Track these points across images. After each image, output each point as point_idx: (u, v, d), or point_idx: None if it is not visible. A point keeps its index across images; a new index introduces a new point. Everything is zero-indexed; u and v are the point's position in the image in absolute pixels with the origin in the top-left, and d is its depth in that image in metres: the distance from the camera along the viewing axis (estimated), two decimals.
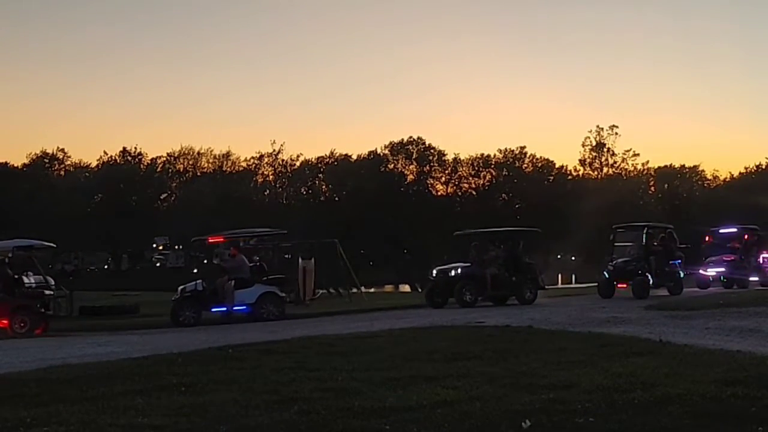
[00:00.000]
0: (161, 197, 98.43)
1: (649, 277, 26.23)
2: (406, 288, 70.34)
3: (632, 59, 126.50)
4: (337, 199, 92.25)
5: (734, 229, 33.70)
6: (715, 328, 14.20)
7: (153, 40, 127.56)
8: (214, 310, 22.37)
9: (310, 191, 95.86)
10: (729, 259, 31.21)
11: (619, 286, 26.65)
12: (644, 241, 27.47)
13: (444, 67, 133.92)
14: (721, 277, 30.66)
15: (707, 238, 33.90)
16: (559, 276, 61.70)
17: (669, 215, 76.25)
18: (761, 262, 32.15)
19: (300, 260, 34.66)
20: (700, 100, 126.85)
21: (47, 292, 22.28)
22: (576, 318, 17.69)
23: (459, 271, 25.40)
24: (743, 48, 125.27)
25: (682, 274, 27.71)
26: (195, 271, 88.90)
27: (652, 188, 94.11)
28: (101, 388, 9.21)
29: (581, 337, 13.10)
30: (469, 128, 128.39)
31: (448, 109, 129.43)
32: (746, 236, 32.78)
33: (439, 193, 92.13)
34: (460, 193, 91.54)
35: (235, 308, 22.30)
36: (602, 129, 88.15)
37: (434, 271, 26.20)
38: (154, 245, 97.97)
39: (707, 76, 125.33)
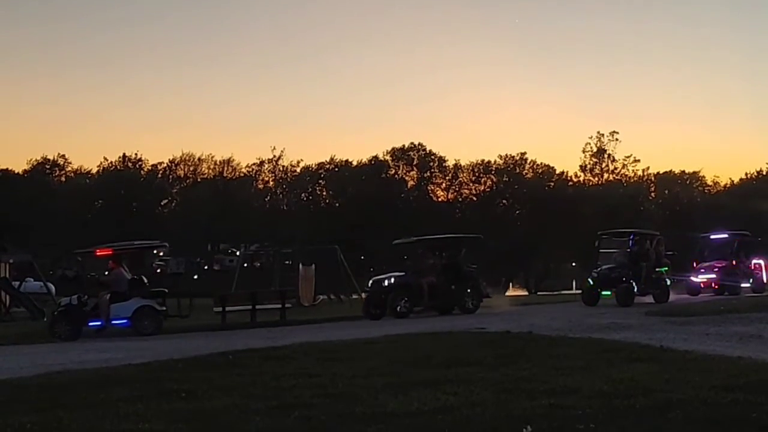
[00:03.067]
0: (162, 203, 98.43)
1: (634, 284, 25.74)
2: None
3: (633, 65, 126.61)
4: (337, 205, 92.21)
5: (725, 235, 33.46)
6: (716, 334, 14.21)
7: (154, 47, 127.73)
8: (90, 324, 21.61)
9: (311, 197, 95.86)
10: (720, 265, 30.91)
11: (602, 293, 26.20)
12: (630, 248, 27.02)
13: (445, 73, 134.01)
14: (712, 284, 30.30)
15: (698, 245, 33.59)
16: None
17: (669, 221, 76.40)
18: (753, 268, 31.94)
19: (300, 266, 34.79)
20: (700, 106, 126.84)
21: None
22: (576, 324, 17.70)
23: (392, 280, 24.69)
24: (744, 54, 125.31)
25: (669, 282, 27.20)
26: (195, 277, 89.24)
27: (653, 194, 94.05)
28: (102, 394, 9.22)
29: (582, 343, 13.10)
30: (470, 134, 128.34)
31: (448, 115, 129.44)
32: (737, 242, 32.46)
33: (439, 199, 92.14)
34: (460, 199, 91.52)
35: (114, 322, 21.61)
36: (603, 135, 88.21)
37: (370, 282, 25.50)
38: (155, 251, 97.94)
39: (708, 83, 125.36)
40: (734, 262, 31.13)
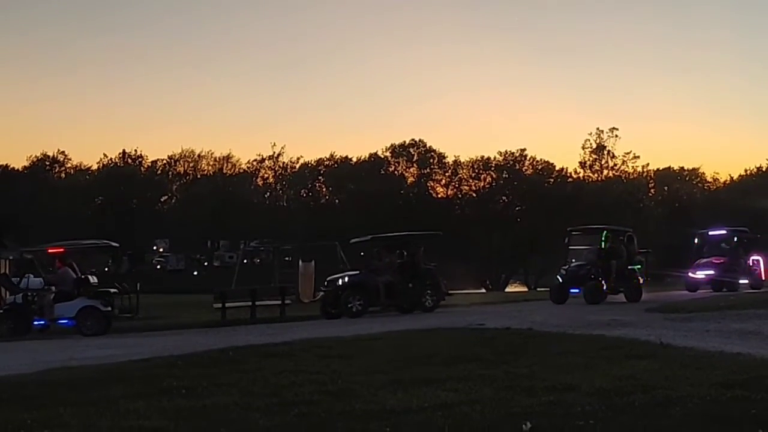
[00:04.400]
0: (162, 200, 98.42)
1: (603, 282, 25.28)
2: None
3: (632, 62, 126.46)
4: (337, 201, 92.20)
5: (724, 232, 33.39)
6: (715, 331, 14.22)
7: (154, 44, 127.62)
8: (35, 323, 21.51)
9: (310, 194, 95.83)
10: (718, 261, 30.80)
11: (571, 291, 25.80)
12: (600, 244, 26.51)
13: (444, 70, 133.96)
14: (710, 281, 30.13)
15: (696, 240, 33.52)
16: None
17: (669, 218, 76.39)
18: (751, 264, 31.88)
19: (300, 263, 34.76)
20: (700, 102, 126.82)
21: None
22: (576, 320, 17.70)
23: (346, 279, 24.29)
24: (743, 51, 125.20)
25: (641, 280, 26.64)
26: (195, 273, 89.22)
27: (652, 191, 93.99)
28: (102, 391, 9.23)
29: (581, 340, 13.11)
30: (470, 130, 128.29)
31: (448, 112, 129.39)
32: (735, 239, 32.39)
33: (439, 196, 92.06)
34: (460, 196, 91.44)
35: (59, 322, 21.50)
36: (602, 131, 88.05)
37: (326, 281, 25.05)
38: (155, 248, 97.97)
39: (707, 79, 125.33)
40: (732, 259, 31.01)
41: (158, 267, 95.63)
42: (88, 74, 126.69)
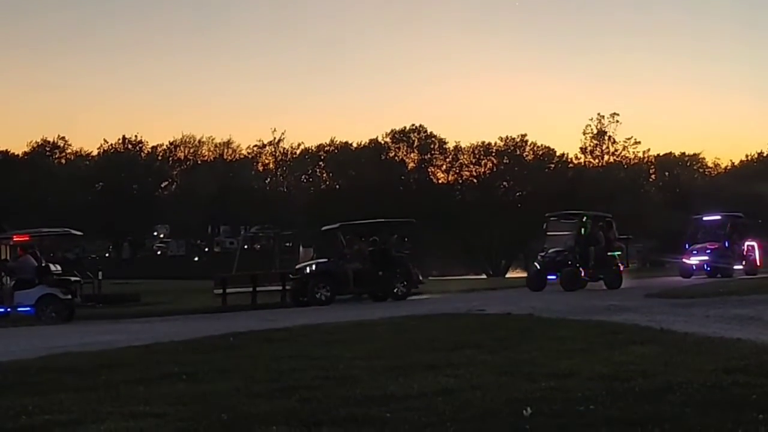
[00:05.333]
0: (162, 185, 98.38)
1: (580, 268, 24.99)
2: None
3: (633, 47, 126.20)
4: (337, 187, 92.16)
5: (718, 217, 33.12)
6: (716, 316, 14.22)
7: (154, 29, 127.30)
8: None
9: (311, 179, 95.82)
10: (713, 247, 30.54)
11: (548, 278, 25.45)
12: (579, 231, 26.07)
13: (445, 55, 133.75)
14: (704, 266, 29.99)
15: (690, 226, 33.19)
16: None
17: (670, 203, 76.34)
18: (746, 250, 31.62)
19: (301, 248, 34.78)
20: (701, 88, 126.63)
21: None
22: (577, 306, 17.73)
23: (314, 267, 24.14)
24: (745, 36, 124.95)
25: (621, 267, 26.35)
26: (196, 259, 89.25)
27: (653, 176, 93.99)
28: (103, 377, 9.24)
29: (582, 326, 13.11)
30: (471, 116, 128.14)
31: (449, 97, 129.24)
32: (730, 224, 32.13)
33: (440, 181, 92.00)
34: (461, 181, 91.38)
35: (19, 309, 21.51)
36: (603, 117, 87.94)
37: (295, 269, 24.96)
38: (155, 233, 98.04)
39: (709, 65, 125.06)
40: (727, 244, 30.78)
41: (159, 253, 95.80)
42: (88, 60, 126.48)
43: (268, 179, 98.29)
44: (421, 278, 26.11)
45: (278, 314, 19.65)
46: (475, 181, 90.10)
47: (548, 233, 27.29)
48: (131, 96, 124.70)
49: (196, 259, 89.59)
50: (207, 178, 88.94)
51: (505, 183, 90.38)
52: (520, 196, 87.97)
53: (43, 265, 22.30)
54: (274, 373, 9.13)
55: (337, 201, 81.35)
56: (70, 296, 21.88)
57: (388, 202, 78.47)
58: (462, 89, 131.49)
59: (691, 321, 13.51)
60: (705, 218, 33.40)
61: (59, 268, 22.86)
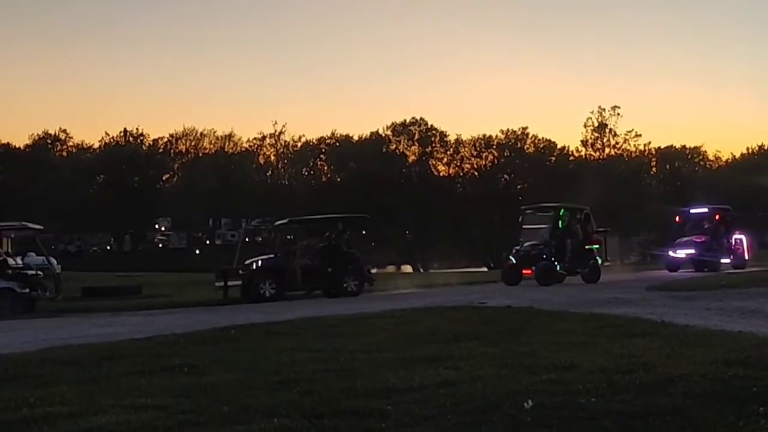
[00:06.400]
0: (163, 178, 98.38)
1: (555, 262, 24.49)
2: (408, 269, 70.46)
3: (635, 40, 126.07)
4: (338, 179, 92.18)
5: (705, 210, 32.41)
6: (717, 309, 14.21)
7: (155, 22, 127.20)
8: None
9: (312, 172, 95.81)
10: (699, 240, 29.86)
11: (524, 272, 24.86)
12: (554, 224, 25.45)
13: (446, 48, 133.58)
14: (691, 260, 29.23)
15: (677, 219, 32.57)
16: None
17: (671, 196, 76.35)
18: (733, 243, 30.78)
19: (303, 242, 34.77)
20: (702, 81, 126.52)
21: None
22: (577, 299, 17.73)
23: (260, 263, 23.67)
24: (746, 28, 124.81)
25: (599, 261, 25.72)
26: (197, 252, 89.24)
27: (654, 169, 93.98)
28: (104, 369, 9.26)
29: (582, 318, 13.11)
30: (472, 109, 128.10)
31: (450, 90, 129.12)
32: (717, 217, 31.35)
33: (441, 174, 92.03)
34: (462, 174, 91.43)
35: None
36: (604, 110, 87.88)
37: (244, 264, 24.28)
38: (157, 226, 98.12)
39: (710, 58, 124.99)
40: (714, 238, 30.04)
41: (160, 246, 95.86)
42: (89, 53, 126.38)
43: (270, 172, 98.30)
44: (372, 275, 25.43)
45: (279, 307, 19.61)
46: (476, 173, 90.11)
47: (524, 226, 26.58)
48: (132, 89, 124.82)
49: (198, 251, 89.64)
50: (208, 171, 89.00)
51: (505, 176, 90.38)
52: (520, 189, 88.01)
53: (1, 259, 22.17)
54: (275, 365, 9.14)
55: (338, 193, 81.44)
56: (27, 290, 21.71)
57: (388, 194, 78.59)
58: (463, 82, 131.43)
59: (691, 314, 13.51)
60: (692, 211, 32.66)
61: (20, 262, 22.77)
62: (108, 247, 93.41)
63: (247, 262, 24.15)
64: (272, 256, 24.24)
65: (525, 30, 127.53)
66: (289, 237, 25.89)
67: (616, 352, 9.11)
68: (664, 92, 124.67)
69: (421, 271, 67.30)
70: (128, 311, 21.01)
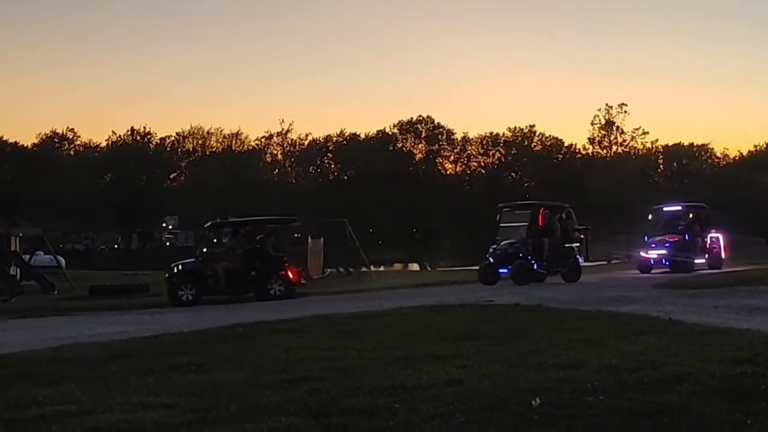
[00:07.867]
0: (171, 177, 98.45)
1: (532, 261, 24.06)
2: (416, 267, 70.44)
3: (642, 37, 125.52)
4: (345, 178, 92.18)
5: (679, 208, 31.50)
6: (724, 307, 14.19)
7: (162, 20, 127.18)
8: None
9: (319, 170, 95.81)
10: (672, 240, 28.58)
11: (500, 271, 24.33)
12: (532, 222, 24.88)
13: (453, 45, 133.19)
14: (663, 260, 28.12)
15: (649, 217, 31.35)
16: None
17: (678, 194, 76.22)
18: (709, 242, 29.60)
19: (309, 239, 34.81)
20: (709, 78, 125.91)
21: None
22: (585, 297, 17.72)
23: (180, 267, 23.09)
24: (754, 25, 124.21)
25: (580, 259, 25.33)
26: (204, 250, 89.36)
27: (661, 166, 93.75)
28: (112, 367, 9.29)
29: (590, 316, 13.11)
30: (479, 106, 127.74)
31: (457, 88, 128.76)
32: (691, 215, 30.35)
33: (448, 172, 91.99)
34: (468, 172, 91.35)
35: None
36: (611, 107, 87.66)
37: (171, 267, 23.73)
38: (164, 225, 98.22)
39: (717, 55, 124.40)
40: (688, 237, 28.91)
41: (168, 244, 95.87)
42: (96, 51, 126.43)
43: (277, 170, 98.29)
44: (303, 280, 24.79)
45: (287, 305, 19.63)
46: (483, 171, 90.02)
47: (501, 224, 26.09)
48: (139, 87, 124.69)
49: (205, 250, 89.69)
50: (215, 170, 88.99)
51: (513, 174, 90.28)
52: (528, 187, 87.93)
53: None
54: (282, 363, 9.16)
55: (345, 192, 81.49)
56: None
57: (396, 192, 78.63)
58: (470, 80, 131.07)
59: (699, 311, 13.50)
60: (665, 209, 31.59)
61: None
62: (116, 246, 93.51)
63: (174, 264, 23.64)
64: (192, 259, 23.76)
65: (532, 28, 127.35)
66: (215, 240, 25.53)
67: (624, 349, 9.10)
68: (671, 90, 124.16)
69: (428, 269, 67.31)
70: (136, 310, 21.04)
